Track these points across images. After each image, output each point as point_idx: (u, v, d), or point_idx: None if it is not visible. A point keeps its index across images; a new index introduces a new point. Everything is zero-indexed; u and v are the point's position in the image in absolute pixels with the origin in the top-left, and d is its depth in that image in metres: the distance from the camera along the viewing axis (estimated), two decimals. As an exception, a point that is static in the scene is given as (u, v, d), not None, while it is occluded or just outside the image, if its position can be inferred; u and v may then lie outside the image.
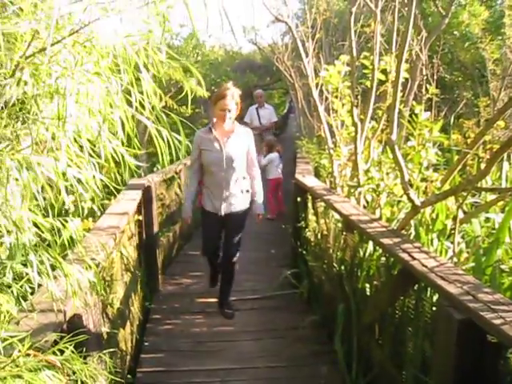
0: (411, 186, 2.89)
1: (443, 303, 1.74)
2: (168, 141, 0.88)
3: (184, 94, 0.91)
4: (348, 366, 2.81)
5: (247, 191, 3.47)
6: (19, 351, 0.88)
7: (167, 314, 3.79)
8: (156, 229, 4.15)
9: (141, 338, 3.34)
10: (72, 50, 0.79)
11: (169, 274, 4.62)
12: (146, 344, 3.31)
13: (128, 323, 2.88)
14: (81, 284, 1.13)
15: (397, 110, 2.04)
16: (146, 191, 3.80)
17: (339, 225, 3.48)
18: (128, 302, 2.98)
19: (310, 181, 4.17)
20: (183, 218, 3.64)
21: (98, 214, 2.95)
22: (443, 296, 1.76)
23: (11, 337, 0.93)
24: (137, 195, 3.43)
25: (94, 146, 1.04)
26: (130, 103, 0.87)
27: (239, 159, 3.32)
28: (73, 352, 1.23)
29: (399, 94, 2.04)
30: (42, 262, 0.98)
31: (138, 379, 2.86)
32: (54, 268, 1.09)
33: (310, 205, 4.16)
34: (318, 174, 5.41)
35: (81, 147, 0.92)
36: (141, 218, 3.35)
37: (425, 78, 4.94)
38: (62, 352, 1.24)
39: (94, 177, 1.04)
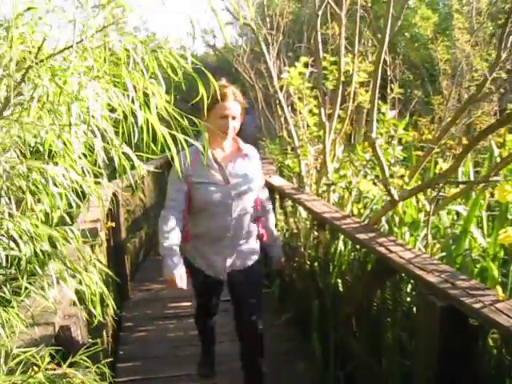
0: (380, 180, 3.01)
1: (423, 292, 1.83)
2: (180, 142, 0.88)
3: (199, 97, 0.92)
4: (325, 361, 2.88)
5: (257, 236, 2.45)
6: (37, 366, 0.86)
7: (140, 321, 3.73)
8: (123, 235, 4.08)
9: (116, 347, 3.27)
10: (85, 54, 0.79)
11: (138, 281, 4.54)
12: (121, 353, 3.25)
13: (104, 333, 2.81)
14: (97, 293, 1.10)
15: (375, 109, 2.12)
16: (113, 197, 3.73)
17: (307, 223, 3.55)
18: (103, 312, 2.91)
19: (276, 180, 4.22)
20: (166, 279, 2.19)
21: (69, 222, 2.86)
22: (423, 285, 1.84)
23: (23, 352, 0.90)
24: (106, 202, 3.35)
25: (92, 150, 1.03)
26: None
27: (252, 193, 2.28)
28: (71, 365, 1.21)
29: (377, 94, 2.13)
30: (61, 273, 0.96)
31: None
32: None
33: (277, 204, 4.21)
34: (281, 174, 5.48)
35: (90, 151, 0.91)
36: (113, 224, 3.28)
37: (389, 78, 5.15)
38: (58, 365, 1.21)
39: (97, 183, 1.03)
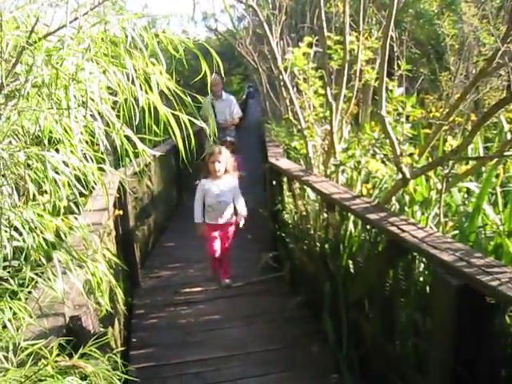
0: (389, 159, 2.95)
1: (438, 271, 1.79)
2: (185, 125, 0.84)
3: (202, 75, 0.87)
4: (338, 343, 2.87)
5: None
6: (46, 358, 0.84)
7: (151, 308, 3.74)
8: (132, 223, 4.07)
9: (128, 334, 3.28)
10: (82, 34, 0.75)
11: (147, 268, 4.55)
12: (134, 340, 3.26)
13: (116, 321, 2.82)
14: (103, 282, 1.08)
15: (384, 86, 2.06)
16: (120, 185, 3.71)
17: (316, 205, 3.51)
18: (114, 300, 2.92)
19: (284, 163, 4.18)
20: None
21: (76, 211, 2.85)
22: (438, 264, 1.81)
23: (31, 345, 0.88)
24: (113, 190, 3.33)
25: (93, 135, 0.99)
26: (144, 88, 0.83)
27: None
28: (82, 355, 1.19)
29: (385, 71, 2.06)
30: (66, 263, 0.93)
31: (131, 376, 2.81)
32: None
33: (285, 187, 4.18)
34: (288, 157, 5.42)
35: (92, 136, 0.87)
36: (121, 212, 3.27)
37: (395, 54, 5.04)
38: (69, 355, 1.19)
39: (100, 169, 0.99)
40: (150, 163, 5.24)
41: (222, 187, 3.90)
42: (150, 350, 3.15)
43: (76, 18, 0.76)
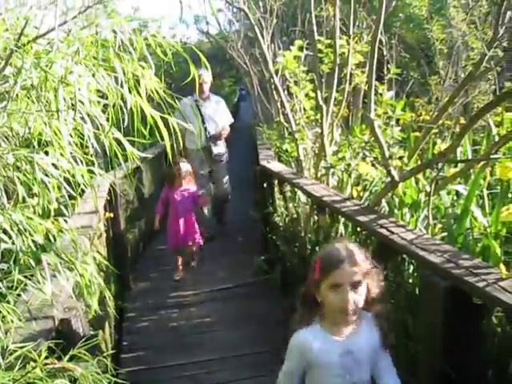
0: (379, 162, 2.98)
1: (426, 272, 1.81)
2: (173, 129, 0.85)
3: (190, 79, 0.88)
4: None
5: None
6: (35, 361, 0.84)
7: (142, 311, 3.73)
8: (123, 226, 4.06)
9: (119, 337, 3.27)
10: (72, 38, 0.75)
11: (139, 271, 4.53)
12: (125, 343, 3.25)
13: (106, 324, 2.81)
14: (94, 284, 1.08)
15: (373, 89, 2.08)
16: (111, 188, 3.70)
17: (307, 207, 3.53)
18: (104, 303, 2.90)
19: (275, 166, 4.19)
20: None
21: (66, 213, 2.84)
22: (426, 266, 1.83)
23: (20, 348, 0.88)
24: (103, 192, 3.32)
25: (83, 138, 0.99)
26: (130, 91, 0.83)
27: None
28: (71, 358, 1.19)
29: (374, 75, 2.09)
30: (55, 265, 0.93)
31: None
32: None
33: (276, 190, 4.19)
34: (279, 160, 5.44)
35: (81, 139, 0.87)
36: (112, 215, 3.26)
37: (385, 58, 5.08)
38: (59, 358, 1.19)
39: (90, 172, 1.00)
40: (140, 166, 5.23)
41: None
42: (141, 353, 3.14)
43: (65, 22, 0.76)
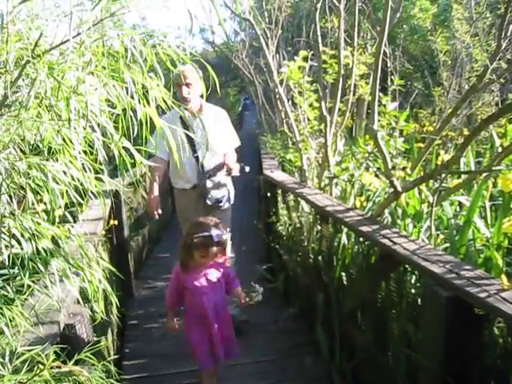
0: (382, 173, 2.99)
1: (428, 283, 1.82)
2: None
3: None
4: (332, 354, 2.88)
5: None
6: (43, 364, 0.86)
7: (144, 319, 3.73)
8: (126, 233, 4.08)
9: (121, 344, 3.27)
10: (83, 49, 0.78)
11: (141, 279, 4.55)
12: (127, 351, 3.25)
13: (109, 331, 2.82)
14: (100, 290, 1.10)
15: (377, 101, 2.11)
16: (116, 195, 3.73)
17: (310, 217, 3.54)
18: (108, 310, 2.92)
19: (279, 175, 4.22)
20: None
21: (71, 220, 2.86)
22: (428, 276, 1.84)
23: (28, 351, 0.90)
24: (108, 200, 3.35)
25: (91, 146, 1.02)
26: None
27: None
28: (76, 363, 1.21)
29: (377, 86, 2.11)
30: (63, 270, 0.95)
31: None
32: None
33: (280, 199, 4.21)
34: (282, 169, 5.47)
35: (91, 147, 0.90)
36: (116, 222, 3.28)
37: (389, 69, 5.13)
38: (64, 363, 1.21)
39: (98, 179, 1.02)
40: (145, 173, 5.27)
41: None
42: (143, 360, 3.14)
43: (78, 34, 0.79)
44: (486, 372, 1.74)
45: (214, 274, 2.45)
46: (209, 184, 3.22)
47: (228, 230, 3.17)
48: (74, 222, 2.77)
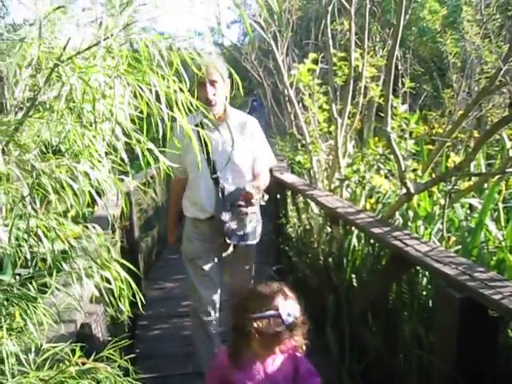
0: (392, 175, 3.00)
1: (441, 284, 1.83)
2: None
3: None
4: (342, 356, 2.88)
5: None
6: (68, 361, 0.88)
7: (155, 320, 3.76)
8: (137, 234, 4.11)
9: (132, 345, 3.30)
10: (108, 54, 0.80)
11: (151, 279, 4.58)
12: (138, 351, 3.27)
13: (121, 330, 2.84)
14: (125, 288, 1.12)
15: (390, 103, 2.12)
16: (126, 196, 3.76)
17: (320, 219, 3.55)
18: (119, 310, 2.95)
19: (288, 177, 4.23)
20: None
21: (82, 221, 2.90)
22: (441, 278, 1.84)
23: (53, 347, 0.93)
24: (120, 200, 3.37)
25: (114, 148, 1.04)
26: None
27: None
28: (96, 360, 1.23)
29: (391, 89, 2.13)
30: (90, 268, 0.98)
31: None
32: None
33: (289, 201, 4.22)
34: (292, 171, 5.49)
35: (115, 150, 0.92)
36: (127, 223, 3.31)
37: (400, 72, 5.13)
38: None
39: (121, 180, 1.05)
40: (154, 175, 5.30)
41: None
42: (153, 361, 3.16)
43: (107, 38, 0.81)
44: (499, 375, 1.74)
45: (277, 368, 1.69)
46: (230, 216, 2.40)
47: (252, 265, 2.87)
48: (85, 221, 2.80)
